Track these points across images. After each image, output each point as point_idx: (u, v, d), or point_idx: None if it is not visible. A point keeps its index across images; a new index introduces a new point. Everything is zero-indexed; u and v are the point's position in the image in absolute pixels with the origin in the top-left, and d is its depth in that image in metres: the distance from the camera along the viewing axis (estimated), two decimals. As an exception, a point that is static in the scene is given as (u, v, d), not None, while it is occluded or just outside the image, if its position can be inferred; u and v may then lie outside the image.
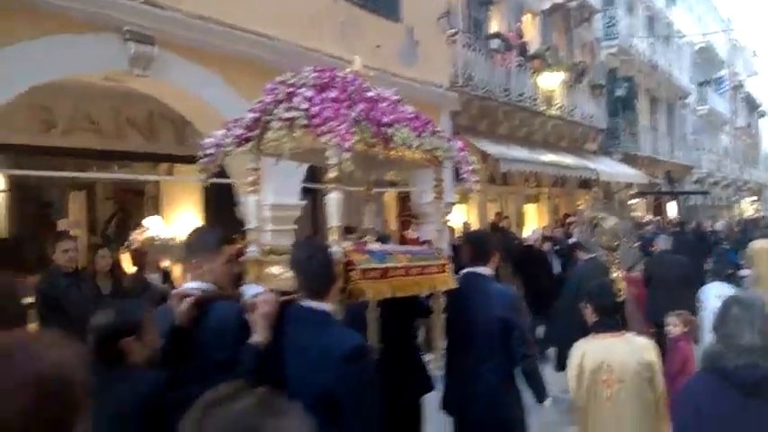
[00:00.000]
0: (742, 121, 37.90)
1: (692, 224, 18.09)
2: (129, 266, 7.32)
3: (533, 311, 7.82)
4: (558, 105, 14.39)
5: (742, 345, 2.37)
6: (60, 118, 7.05)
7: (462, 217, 11.89)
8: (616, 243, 4.48)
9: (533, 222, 15.06)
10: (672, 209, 24.89)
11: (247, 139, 2.92)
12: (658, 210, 23.16)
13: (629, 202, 19.37)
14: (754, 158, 40.76)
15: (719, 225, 18.80)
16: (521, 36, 14.09)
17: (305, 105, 2.69)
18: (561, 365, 6.51)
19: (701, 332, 5.06)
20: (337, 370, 2.32)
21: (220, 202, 7.35)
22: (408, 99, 3.35)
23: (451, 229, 9.80)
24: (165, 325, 2.47)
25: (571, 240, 9.31)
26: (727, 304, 2.53)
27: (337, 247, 2.71)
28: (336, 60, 5.78)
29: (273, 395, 1.21)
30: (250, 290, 2.75)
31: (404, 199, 10.84)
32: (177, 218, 8.61)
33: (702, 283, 6.37)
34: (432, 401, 3.89)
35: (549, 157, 13.51)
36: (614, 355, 3.33)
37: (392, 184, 9.39)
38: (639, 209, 21.16)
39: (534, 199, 16.07)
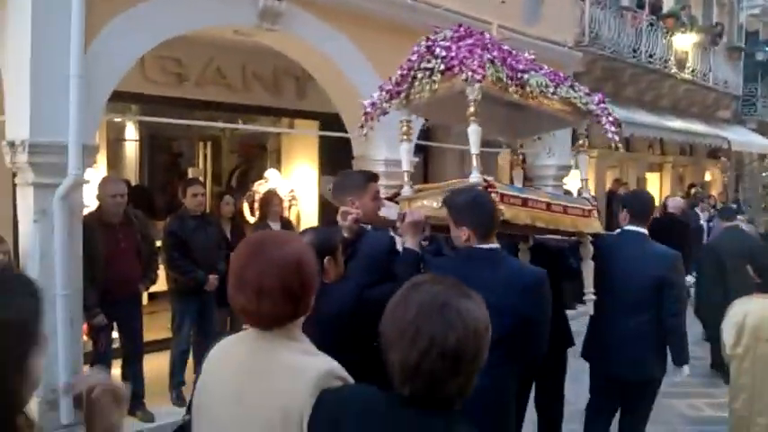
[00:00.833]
0: None
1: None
2: (249, 215, 7.69)
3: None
4: (691, 69, 13.60)
5: None
6: (192, 71, 7.38)
7: (577, 183, 11.46)
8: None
9: (655, 192, 14.35)
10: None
11: (398, 93, 3.19)
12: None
13: (762, 174, 18.15)
14: None
15: None
16: (654, -7, 13.29)
17: (443, 54, 2.86)
18: (707, 335, 6.58)
19: None
20: (524, 297, 2.64)
21: (335, 158, 7.50)
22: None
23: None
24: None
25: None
26: None
27: (477, 173, 2.93)
28: (464, 18, 5.67)
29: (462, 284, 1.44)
30: (389, 210, 3.16)
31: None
32: (294, 171, 8.92)
33: None
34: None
35: (677, 123, 12.82)
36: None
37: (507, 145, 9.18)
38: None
39: (657, 167, 15.38)
